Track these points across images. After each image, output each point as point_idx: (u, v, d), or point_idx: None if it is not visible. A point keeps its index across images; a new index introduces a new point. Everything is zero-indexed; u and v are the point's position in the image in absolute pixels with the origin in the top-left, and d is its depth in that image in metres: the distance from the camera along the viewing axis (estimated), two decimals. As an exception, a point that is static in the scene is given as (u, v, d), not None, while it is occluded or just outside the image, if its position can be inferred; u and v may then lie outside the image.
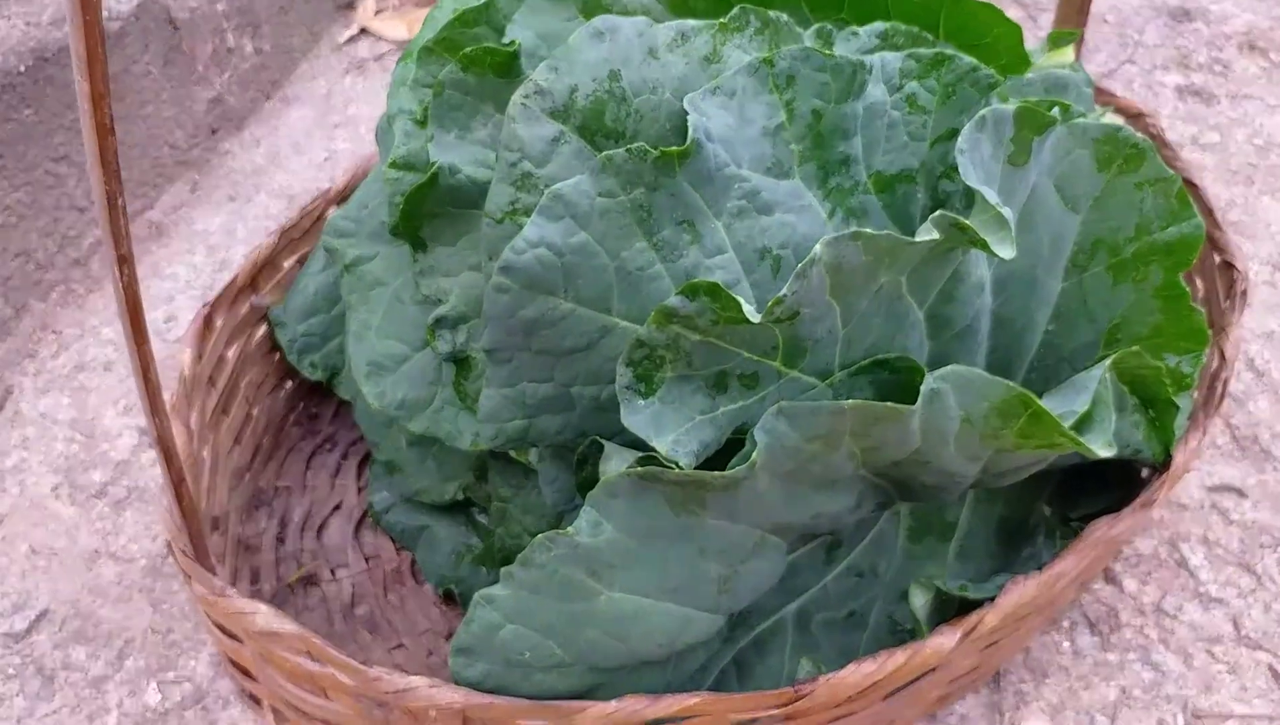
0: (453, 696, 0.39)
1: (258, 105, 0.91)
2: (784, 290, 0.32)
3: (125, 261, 0.36)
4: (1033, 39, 1.02)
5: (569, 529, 0.37)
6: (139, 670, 0.56)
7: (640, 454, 0.39)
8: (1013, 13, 1.06)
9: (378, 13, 1.00)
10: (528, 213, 0.37)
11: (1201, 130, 0.91)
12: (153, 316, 0.76)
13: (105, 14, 0.79)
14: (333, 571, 0.58)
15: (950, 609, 0.46)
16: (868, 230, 0.32)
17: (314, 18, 0.97)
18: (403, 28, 0.98)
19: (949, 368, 0.36)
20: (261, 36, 0.90)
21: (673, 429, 0.36)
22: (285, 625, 0.42)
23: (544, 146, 0.37)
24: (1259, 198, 0.83)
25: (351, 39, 0.98)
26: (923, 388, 0.35)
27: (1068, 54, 0.58)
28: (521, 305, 0.37)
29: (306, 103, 0.92)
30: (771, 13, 0.40)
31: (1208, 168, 0.87)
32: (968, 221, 0.34)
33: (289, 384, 0.64)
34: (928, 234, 0.34)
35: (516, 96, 0.36)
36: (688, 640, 0.40)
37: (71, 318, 0.76)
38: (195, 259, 0.80)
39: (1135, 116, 0.67)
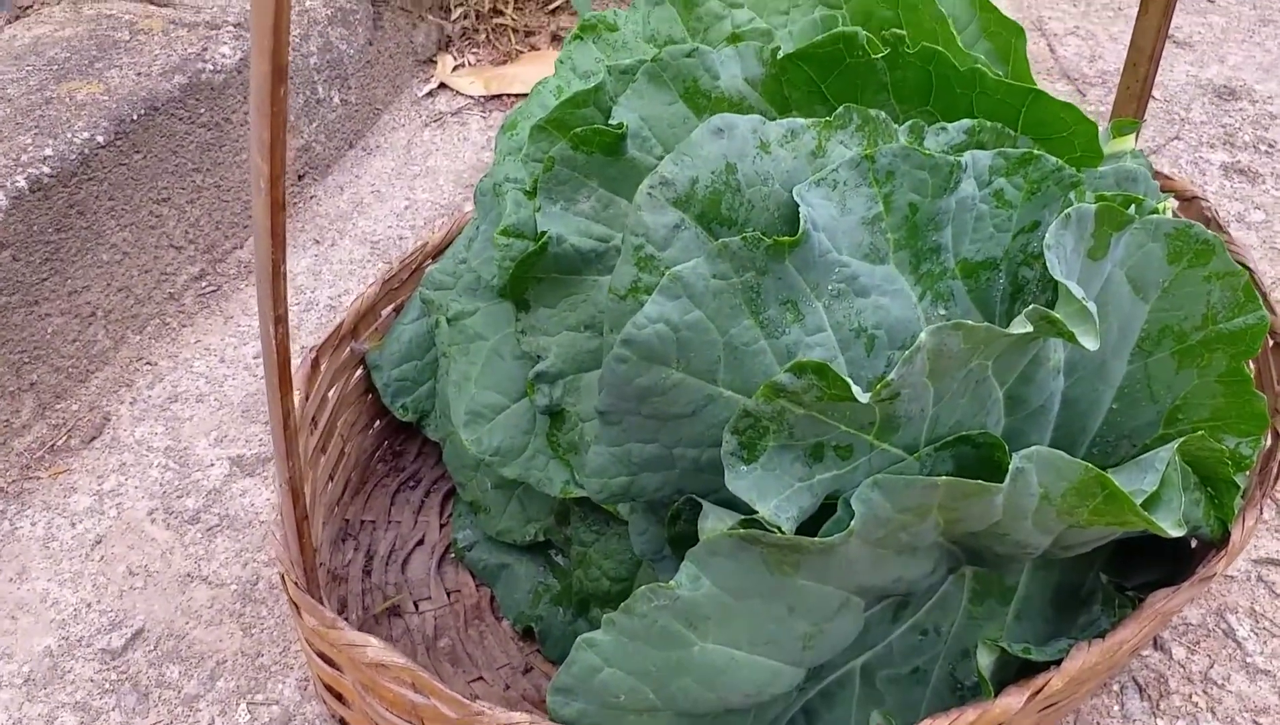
0: (552, 733, 0.42)
1: (342, 154, 0.96)
2: (891, 374, 0.35)
3: (280, 322, 0.40)
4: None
5: (670, 583, 0.40)
6: (230, 691, 0.59)
7: (740, 516, 0.42)
8: (1062, 87, 1.10)
9: (455, 69, 1.05)
10: (648, 291, 0.40)
11: (1247, 208, 0.94)
12: (242, 352, 0.80)
13: (210, 66, 0.84)
14: (416, 604, 0.61)
15: (1011, 669, 0.48)
16: (969, 322, 0.36)
17: (396, 72, 1.03)
18: (479, 84, 1.03)
19: (1032, 448, 0.39)
20: (348, 89, 0.95)
21: (774, 494, 0.39)
22: (394, 658, 0.45)
23: (666, 232, 0.40)
24: (1305, 277, 0.85)
25: (430, 93, 1.03)
26: (1010, 466, 0.37)
27: (1128, 141, 0.62)
28: (637, 374, 0.40)
29: (388, 153, 0.97)
30: (871, 111, 0.43)
31: (1253, 246, 0.89)
32: (1056, 315, 0.37)
33: (378, 423, 0.67)
34: (1021, 327, 0.37)
35: (643, 187, 0.40)
36: (773, 692, 0.43)
37: (165, 351, 0.80)
38: (282, 298, 0.84)
39: (1189, 200, 0.71)
